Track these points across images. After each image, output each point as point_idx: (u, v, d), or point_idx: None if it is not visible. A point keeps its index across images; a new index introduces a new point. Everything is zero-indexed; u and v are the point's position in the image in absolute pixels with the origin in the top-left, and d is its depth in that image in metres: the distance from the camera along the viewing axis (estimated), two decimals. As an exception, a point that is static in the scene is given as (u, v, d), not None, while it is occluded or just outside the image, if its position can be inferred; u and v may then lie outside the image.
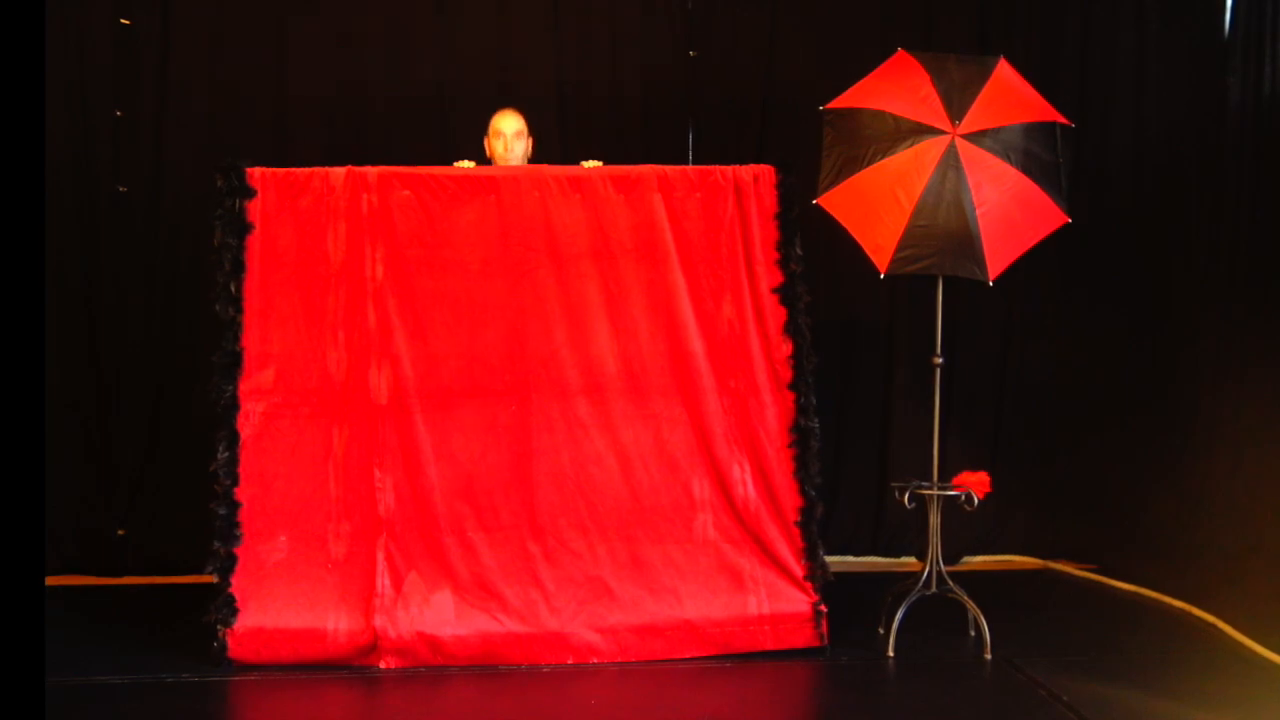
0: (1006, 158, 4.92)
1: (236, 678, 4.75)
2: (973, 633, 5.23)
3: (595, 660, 4.93)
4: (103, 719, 4.42)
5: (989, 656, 5.02)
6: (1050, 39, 6.59)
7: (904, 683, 4.87)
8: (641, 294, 5.14)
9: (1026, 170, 4.95)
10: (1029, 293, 6.54)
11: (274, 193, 5.05)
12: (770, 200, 5.17)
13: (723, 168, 5.21)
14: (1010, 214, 4.94)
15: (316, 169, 5.09)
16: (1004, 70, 5.06)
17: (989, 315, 6.56)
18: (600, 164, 5.20)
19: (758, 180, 5.18)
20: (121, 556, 6.14)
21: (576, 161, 5.24)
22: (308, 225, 5.06)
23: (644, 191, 5.15)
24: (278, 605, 4.85)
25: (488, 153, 5.36)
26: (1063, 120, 5.05)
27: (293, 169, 5.08)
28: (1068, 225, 5.06)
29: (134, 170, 6.18)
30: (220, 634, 4.81)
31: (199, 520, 4.99)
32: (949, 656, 5.09)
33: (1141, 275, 6.49)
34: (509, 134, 5.32)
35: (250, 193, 5.01)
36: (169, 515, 6.12)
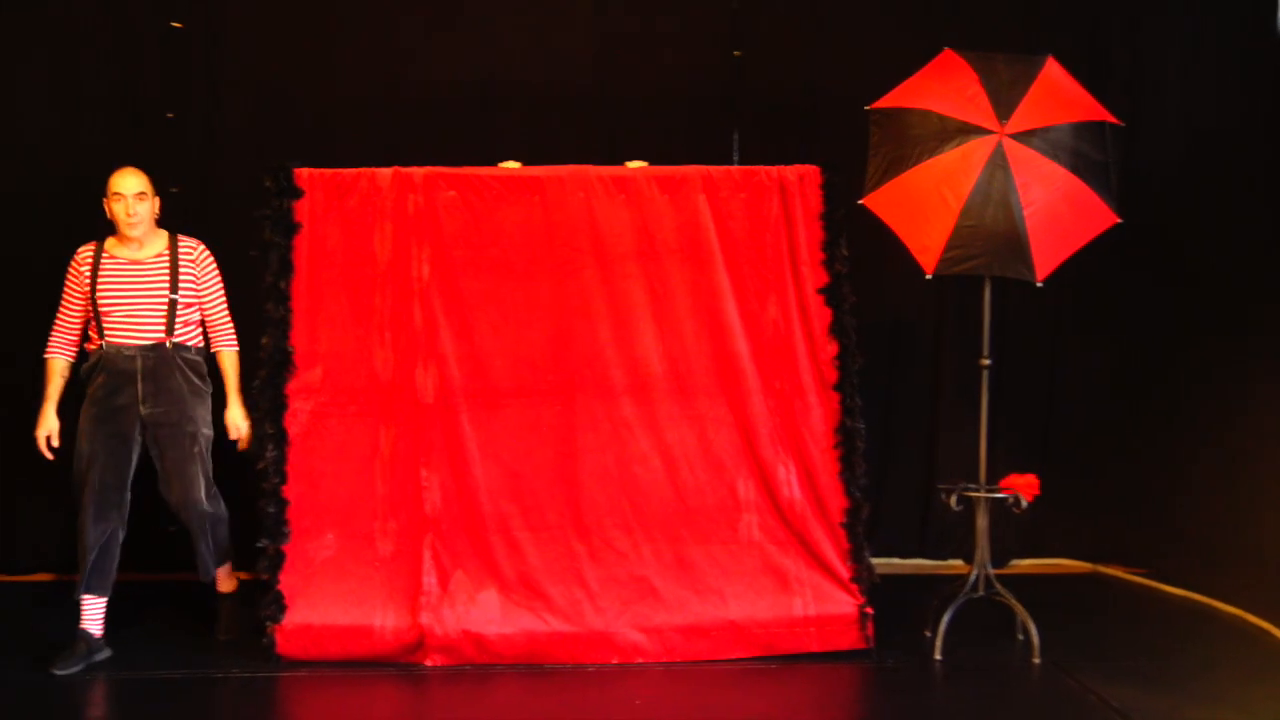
0: (1055, 157, 4.87)
1: (285, 674, 4.79)
2: (1021, 637, 5.18)
3: (640, 660, 4.94)
4: (155, 714, 4.47)
5: (1037, 661, 4.98)
6: (1099, 37, 6.52)
7: (951, 687, 4.84)
8: (686, 294, 5.14)
9: (1075, 170, 4.90)
10: (1078, 293, 6.47)
11: (321, 193, 5.10)
12: (815, 200, 5.16)
13: (767, 168, 5.21)
14: (1059, 214, 4.89)
15: (363, 170, 5.14)
16: (1052, 69, 5.02)
17: (1037, 316, 6.50)
18: (645, 164, 5.20)
19: (803, 180, 5.17)
20: (172, 553, 6.19)
21: (621, 162, 5.25)
22: (355, 225, 5.11)
23: (689, 192, 5.16)
24: (326, 602, 4.89)
25: (109, 215, 4.98)
26: (1112, 119, 5.00)
27: (340, 170, 5.14)
28: (1117, 225, 5.00)
29: (185, 171, 6.24)
30: (269, 630, 4.86)
31: (249, 518, 5.04)
32: (997, 661, 5.05)
33: (1192, 275, 6.39)
34: (129, 195, 4.91)
35: (298, 193, 5.07)
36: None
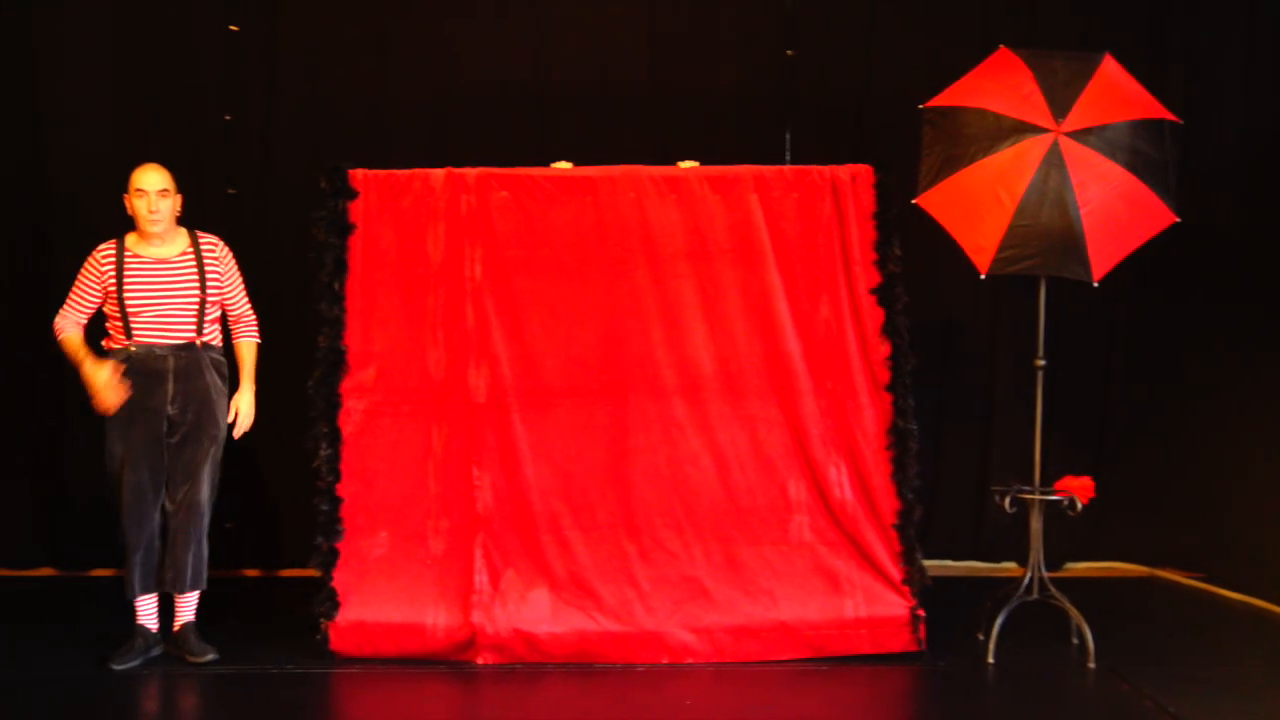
0: (1112, 156, 4.82)
1: (338, 670, 4.84)
2: (1075, 641, 5.12)
3: (690, 660, 4.94)
4: (212, 708, 4.54)
5: (1092, 665, 4.92)
6: (1156, 34, 6.43)
7: (1004, 690, 4.79)
8: (737, 294, 5.14)
9: (1133, 168, 4.84)
10: (1136, 293, 6.39)
11: (375, 194, 5.14)
12: (868, 200, 5.14)
13: (820, 167, 5.19)
14: (1116, 213, 4.84)
15: (416, 170, 5.17)
16: (1109, 66, 4.96)
17: (1094, 317, 6.43)
18: (696, 164, 5.20)
19: (855, 180, 5.15)
20: (227, 549, 6.27)
21: (672, 162, 5.26)
22: (408, 226, 5.14)
23: (740, 192, 5.15)
24: (378, 600, 4.93)
25: (129, 211, 4.94)
26: (1171, 117, 4.93)
27: (393, 171, 5.18)
28: (1176, 224, 4.93)
29: (242, 173, 6.33)
30: (323, 627, 4.91)
31: (304, 516, 5.09)
32: (1051, 664, 5.00)
33: (1253, 275, 6.29)
34: (152, 191, 4.87)
35: (352, 194, 5.12)
36: (276, 510, 6.27)
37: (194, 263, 4.94)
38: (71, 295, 4.96)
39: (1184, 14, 6.43)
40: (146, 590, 4.92)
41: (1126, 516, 6.48)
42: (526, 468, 5.05)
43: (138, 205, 4.89)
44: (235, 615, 5.52)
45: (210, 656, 4.91)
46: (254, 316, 5.16)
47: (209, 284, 4.94)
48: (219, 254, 5.02)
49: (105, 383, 4.78)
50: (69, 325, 4.93)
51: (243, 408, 5.03)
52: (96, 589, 5.96)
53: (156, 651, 4.94)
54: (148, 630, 4.94)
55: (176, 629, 5.01)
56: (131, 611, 4.95)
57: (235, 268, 5.08)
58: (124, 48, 6.30)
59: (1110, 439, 6.51)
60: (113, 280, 4.87)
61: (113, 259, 4.89)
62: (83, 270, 4.94)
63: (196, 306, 4.91)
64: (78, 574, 6.27)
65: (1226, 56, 6.39)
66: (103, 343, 4.96)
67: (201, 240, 5.00)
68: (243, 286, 5.11)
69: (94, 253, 4.94)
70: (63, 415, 6.23)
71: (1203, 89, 6.39)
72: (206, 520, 4.96)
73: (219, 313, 5.03)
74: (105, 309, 4.93)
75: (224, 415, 4.98)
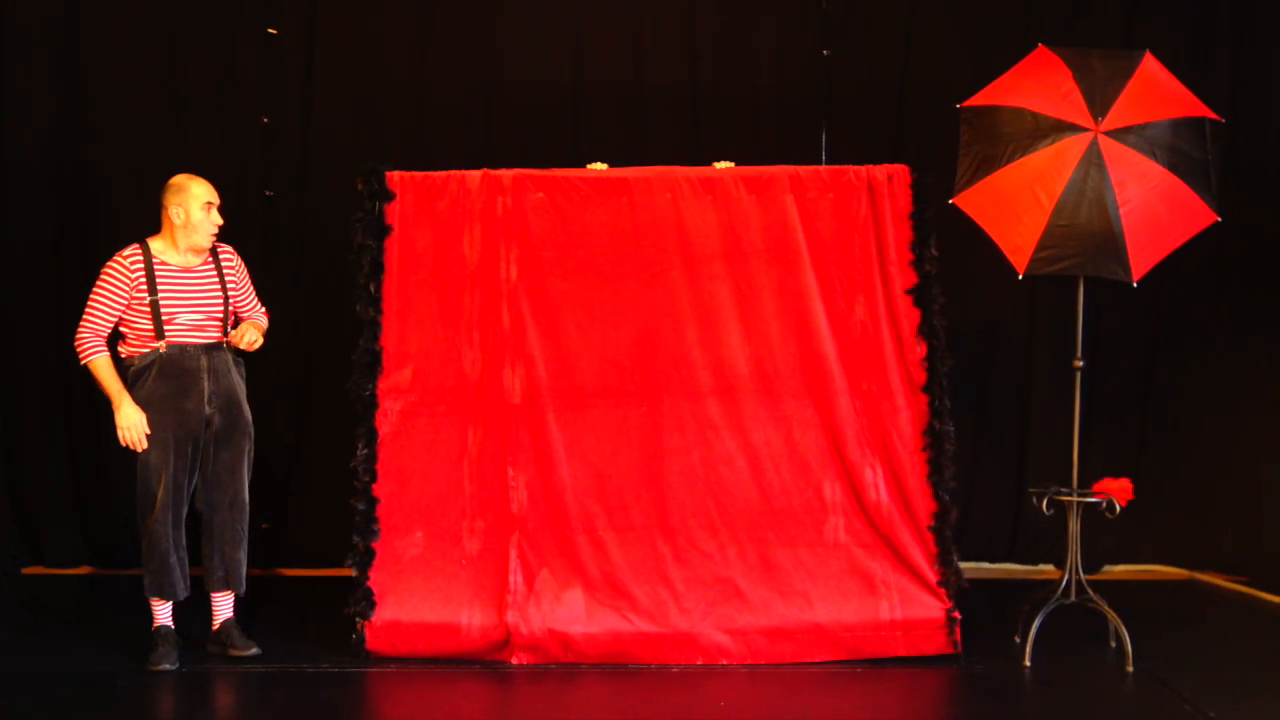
0: (1152, 155, 4.77)
1: (374, 669, 4.87)
2: (1113, 644, 5.08)
3: (724, 661, 4.93)
4: (247, 706, 4.58)
5: (1131, 669, 4.87)
6: (1201, 31, 6.36)
7: (1041, 693, 4.76)
8: (773, 295, 5.12)
9: (1173, 167, 4.79)
10: (1176, 293, 6.33)
11: (412, 196, 5.17)
12: (904, 200, 5.11)
13: (856, 167, 5.17)
14: (1156, 212, 4.79)
15: (453, 172, 5.19)
16: (1149, 65, 4.91)
17: (1133, 317, 6.38)
18: (732, 165, 5.20)
19: (892, 180, 5.13)
20: (263, 549, 6.32)
21: (708, 162, 5.25)
22: (444, 227, 5.16)
23: (776, 192, 5.14)
24: (414, 600, 4.96)
25: (179, 218, 4.88)
26: (1213, 115, 4.88)
27: (430, 172, 5.20)
28: (1218, 223, 4.88)
29: (280, 175, 6.38)
30: (359, 626, 4.94)
31: (340, 515, 5.12)
32: (1089, 668, 4.96)
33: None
34: (216, 204, 4.94)
35: (389, 196, 5.14)
36: (313, 510, 6.31)
37: (215, 271, 5.00)
38: (94, 309, 4.86)
39: (1230, 12, 6.35)
40: (180, 591, 4.93)
41: (1166, 519, 6.42)
42: (561, 468, 5.07)
43: (200, 216, 4.90)
44: (269, 613, 5.56)
45: (254, 650, 4.96)
46: (263, 309, 5.22)
47: (230, 292, 5.02)
48: (234, 264, 5.08)
49: (140, 426, 4.81)
50: (98, 344, 4.85)
51: (250, 332, 4.97)
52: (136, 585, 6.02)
53: (178, 652, 4.94)
54: (171, 629, 4.97)
55: (217, 626, 5.05)
56: (148, 609, 4.96)
57: (248, 276, 5.15)
58: (166, 51, 6.36)
59: (1150, 441, 6.45)
60: (144, 286, 4.86)
61: (142, 265, 4.88)
62: (106, 280, 4.86)
63: (222, 311, 4.98)
64: (118, 572, 6.33)
65: (1275, 55, 6.31)
66: (120, 350, 4.92)
67: (220, 250, 5.05)
68: (254, 292, 5.17)
69: (115, 261, 4.89)
70: (100, 413, 6.29)
71: (1249, 88, 6.32)
72: (248, 517, 5.02)
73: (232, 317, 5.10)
74: (126, 316, 4.88)
75: (249, 413, 5.03)
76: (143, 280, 4.87)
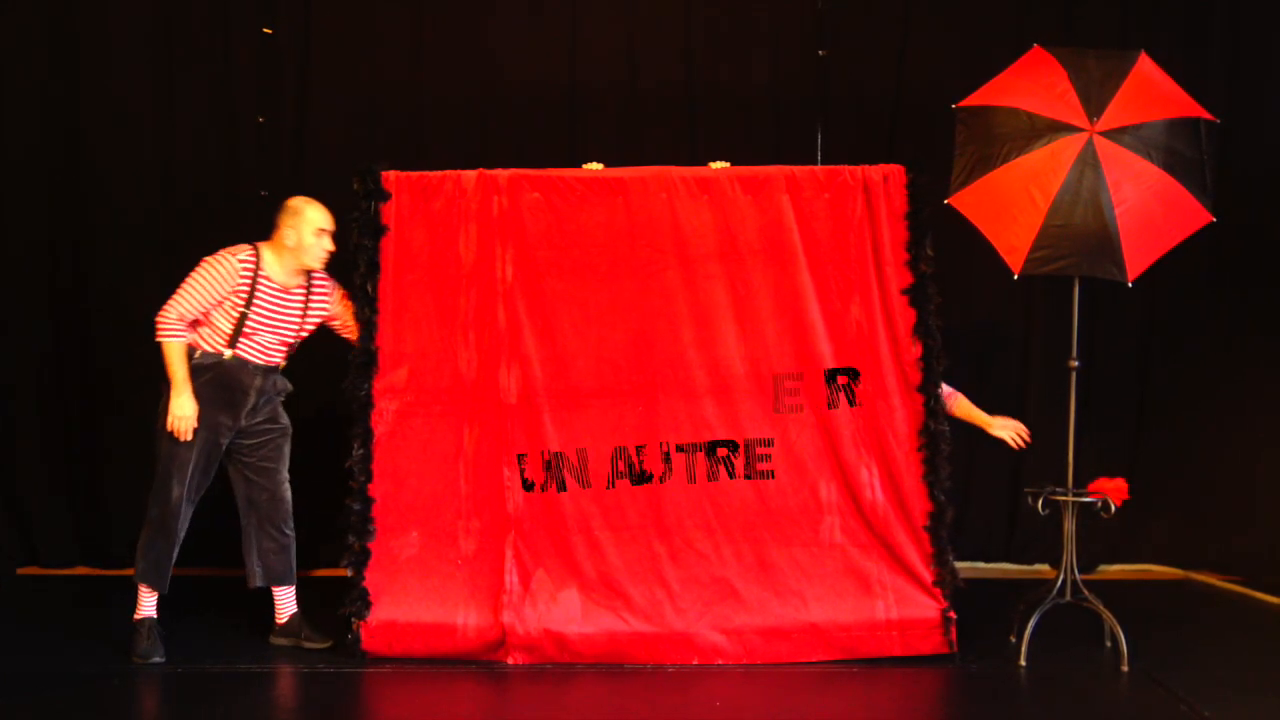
0: (1147, 155, 4.78)
1: (370, 670, 4.87)
2: (1109, 644, 5.09)
3: (720, 661, 4.93)
4: (241, 706, 4.56)
5: (1126, 669, 4.88)
6: (1195, 31, 6.38)
7: (1036, 693, 4.76)
8: (769, 295, 5.13)
9: (1169, 168, 4.80)
10: (1171, 294, 6.35)
11: (408, 195, 5.16)
12: (900, 200, 5.12)
13: (851, 168, 5.17)
14: (1151, 213, 4.80)
15: (448, 172, 5.19)
16: (1145, 65, 4.92)
17: (1128, 317, 6.38)
18: (728, 165, 5.20)
19: (887, 180, 5.13)
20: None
21: (704, 162, 5.25)
22: (440, 227, 5.16)
23: (771, 192, 5.14)
24: (410, 600, 4.96)
25: (291, 241, 4.94)
26: (1207, 116, 4.89)
27: (425, 172, 5.19)
28: (1212, 224, 4.89)
29: (275, 174, 6.37)
30: (355, 626, 4.94)
31: (335, 515, 5.12)
32: (1084, 668, 4.96)
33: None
34: (330, 231, 5.01)
35: (385, 195, 5.14)
36: (309, 510, 6.29)
37: (304, 299, 5.04)
38: (189, 295, 4.85)
39: (1225, 12, 6.36)
40: (166, 582, 4.99)
41: (1161, 519, 6.43)
42: (557, 468, 5.07)
43: (311, 240, 4.95)
44: (265, 614, 5.55)
45: (329, 643, 5.08)
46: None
47: (307, 324, 5.08)
48: (328, 296, 5.13)
49: (192, 420, 4.85)
50: (180, 329, 4.85)
51: None
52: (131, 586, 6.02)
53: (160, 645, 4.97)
54: (155, 620, 5.00)
55: (283, 621, 5.17)
56: (135, 603, 5.00)
57: (343, 303, 5.16)
58: (162, 51, 6.36)
59: (1145, 441, 6.46)
60: (244, 293, 4.88)
61: (250, 274, 4.88)
62: (211, 272, 4.86)
63: (294, 340, 5.06)
64: (113, 573, 6.33)
65: (1270, 55, 6.32)
66: (190, 344, 4.92)
67: (315, 278, 5.08)
68: (352, 315, 5.14)
69: (225, 257, 4.89)
70: (99, 414, 6.30)
71: (1244, 88, 6.33)
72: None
73: None
74: (211, 310, 4.89)
75: (286, 417, 5.12)
76: (245, 288, 4.89)
